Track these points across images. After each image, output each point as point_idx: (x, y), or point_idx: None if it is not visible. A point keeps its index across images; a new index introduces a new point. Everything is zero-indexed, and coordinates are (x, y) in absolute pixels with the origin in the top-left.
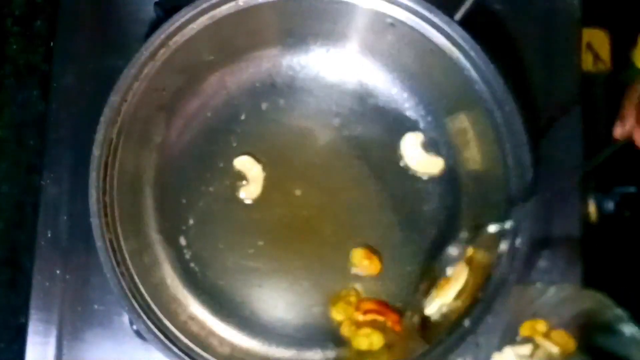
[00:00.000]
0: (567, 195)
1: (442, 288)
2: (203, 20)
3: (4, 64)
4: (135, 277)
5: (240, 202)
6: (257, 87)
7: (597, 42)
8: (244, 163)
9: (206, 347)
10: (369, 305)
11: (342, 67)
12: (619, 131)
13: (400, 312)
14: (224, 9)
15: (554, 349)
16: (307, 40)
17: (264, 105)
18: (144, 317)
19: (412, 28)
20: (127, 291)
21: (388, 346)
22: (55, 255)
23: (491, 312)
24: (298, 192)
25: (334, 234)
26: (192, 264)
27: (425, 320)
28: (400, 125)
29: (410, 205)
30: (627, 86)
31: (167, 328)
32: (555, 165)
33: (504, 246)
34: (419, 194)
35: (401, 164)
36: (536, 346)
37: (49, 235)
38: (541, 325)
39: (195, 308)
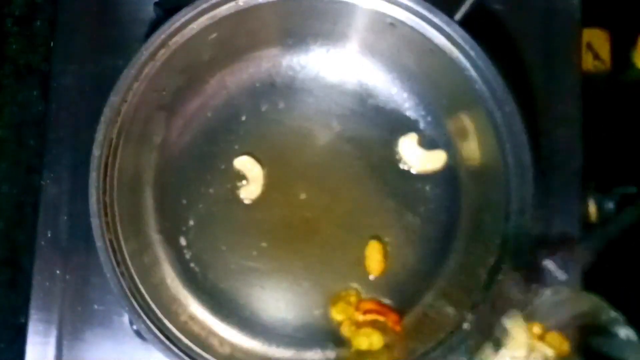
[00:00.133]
0: (567, 196)
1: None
2: (203, 21)
3: (4, 64)
4: (136, 277)
5: (240, 202)
6: (257, 87)
7: (597, 42)
8: (244, 163)
9: (206, 347)
10: (369, 305)
11: (342, 67)
12: None
13: (400, 312)
14: (224, 9)
15: (549, 352)
16: (307, 40)
17: (263, 106)
18: (144, 317)
19: (412, 28)
20: (127, 291)
21: (388, 346)
22: (55, 255)
23: (491, 312)
24: (298, 193)
25: (334, 235)
26: (192, 264)
27: None
28: (400, 125)
29: (410, 206)
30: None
31: (167, 328)
32: (555, 165)
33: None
34: (419, 194)
35: (401, 164)
36: (531, 348)
37: (49, 235)
38: (537, 328)
39: (196, 308)
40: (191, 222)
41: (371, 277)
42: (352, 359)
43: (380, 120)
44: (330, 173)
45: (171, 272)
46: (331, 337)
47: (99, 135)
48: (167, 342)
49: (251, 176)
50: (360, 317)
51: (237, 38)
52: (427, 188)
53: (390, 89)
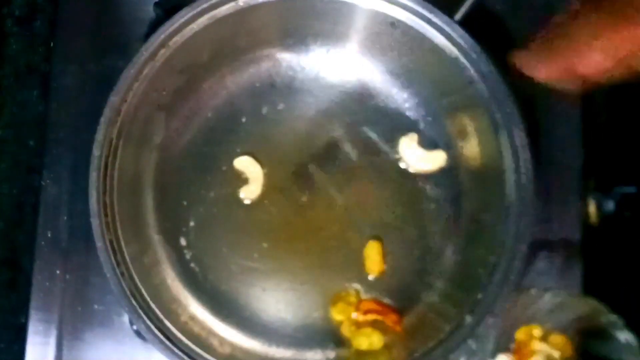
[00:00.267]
0: (567, 196)
1: None
2: (203, 21)
3: (4, 64)
4: (136, 277)
5: (240, 203)
6: (257, 87)
7: None
8: (244, 163)
9: (206, 348)
10: (369, 305)
11: (342, 67)
12: (519, 57)
13: (400, 312)
14: (224, 9)
15: (555, 353)
16: (307, 40)
17: (263, 106)
18: (144, 317)
19: (412, 28)
20: (127, 291)
21: (388, 346)
22: (55, 255)
23: (491, 312)
24: (298, 193)
25: (334, 235)
26: (192, 265)
27: None
28: (400, 125)
29: (410, 206)
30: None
31: (167, 328)
32: (555, 165)
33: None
34: (419, 194)
35: (401, 164)
36: (523, 355)
37: (49, 235)
38: (537, 331)
39: (196, 308)
40: (191, 223)
41: (371, 277)
42: (352, 359)
43: (380, 120)
44: (330, 173)
45: (171, 272)
46: (331, 337)
47: (99, 136)
48: (167, 342)
49: (251, 176)
50: (360, 317)
51: (237, 38)
52: (427, 188)
53: (390, 89)
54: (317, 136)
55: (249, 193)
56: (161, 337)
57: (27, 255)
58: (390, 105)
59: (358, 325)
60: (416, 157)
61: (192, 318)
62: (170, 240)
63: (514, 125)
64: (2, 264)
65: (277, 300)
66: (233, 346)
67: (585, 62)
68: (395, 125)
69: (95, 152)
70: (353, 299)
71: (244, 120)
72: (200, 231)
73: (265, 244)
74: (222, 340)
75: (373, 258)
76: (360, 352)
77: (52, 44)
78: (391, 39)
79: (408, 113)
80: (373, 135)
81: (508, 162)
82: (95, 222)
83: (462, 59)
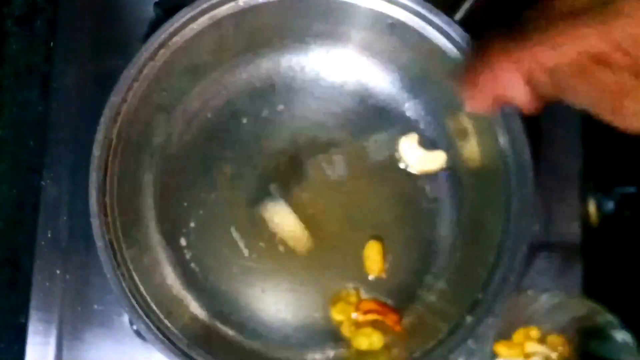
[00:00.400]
0: (567, 196)
1: None
2: (203, 21)
3: (4, 64)
4: (136, 277)
5: (241, 204)
6: (257, 88)
7: None
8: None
9: (206, 348)
10: (369, 306)
11: (342, 67)
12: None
13: (400, 312)
14: (224, 9)
15: (553, 354)
16: (307, 40)
17: (263, 106)
18: (144, 317)
19: (412, 28)
20: (127, 291)
21: (388, 346)
22: (55, 255)
23: (492, 312)
24: (298, 194)
25: (334, 235)
26: (192, 265)
27: None
28: (400, 125)
29: (411, 206)
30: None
31: (168, 328)
32: (555, 165)
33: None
34: (419, 194)
35: (401, 164)
36: (526, 356)
37: (49, 235)
38: (534, 332)
39: (196, 308)
40: (192, 224)
41: (371, 277)
42: (352, 359)
43: (381, 121)
44: (330, 174)
45: (171, 272)
46: (331, 337)
47: (99, 136)
48: (167, 343)
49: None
50: (360, 317)
51: (237, 38)
52: (427, 188)
53: (390, 89)
54: (317, 136)
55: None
56: (161, 337)
57: (27, 255)
58: (390, 105)
59: (358, 325)
60: (416, 157)
61: (192, 318)
62: (171, 240)
63: (514, 125)
64: (2, 264)
65: (277, 301)
66: (233, 346)
67: (506, 88)
68: (395, 125)
69: (95, 152)
70: (353, 298)
71: (243, 120)
72: (200, 232)
73: (265, 244)
74: (222, 340)
75: (373, 258)
76: (361, 352)
77: (52, 44)
78: (391, 39)
79: (408, 113)
80: (373, 136)
81: (508, 162)
82: (95, 222)
83: (462, 59)
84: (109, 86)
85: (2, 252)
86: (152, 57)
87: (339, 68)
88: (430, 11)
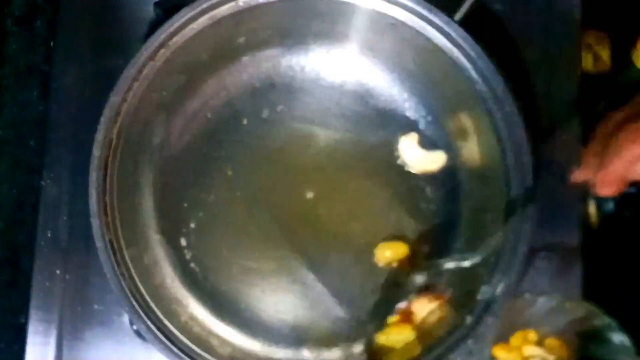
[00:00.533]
0: (567, 197)
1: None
2: (203, 21)
3: (4, 64)
4: (136, 277)
5: (241, 205)
6: (257, 88)
7: (597, 42)
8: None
9: (206, 348)
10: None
11: (342, 67)
12: (578, 176)
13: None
14: (224, 9)
15: (550, 357)
16: (307, 40)
17: (263, 106)
18: (144, 317)
19: (412, 28)
20: (127, 291)
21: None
22: (55, 255)
23: (491, 312)
24: (299, 194)
25: (334, 235)
26: (192, 265)
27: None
28: (400, 125)
29: (411, 206)
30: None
31: (167, 328)
32: (555, 165)
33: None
34: (419, 194)
35: (401, 165)
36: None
37: (49, 235)
38: (532, 335)
39: (196, 308)
40: (192, 225)
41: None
42: (380, 352)
43: (381, 121)
44: (331, 174)
45: (171, 272)
46: (331, 337)
47: (99, 136)
48: (167, 342)
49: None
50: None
51: (237, 38)
52: (427, 188)
53: (390, 89)
54: (317, 137)
55: None
56: (161, 337)
57: (27, 255)
58: (390, 105)
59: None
60: (416, 157)
61: (192, 318)
62: (171, 240)
63: (514, 125)
64: (2, 263)
65: (276, 301)
66: (233, 346)
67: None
68: (395, 125)
69: (95, 152)
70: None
71: (243, 120)
72: (200, 232)
73: (264, 244)
74: (222, 340)
75: (388, 256)
76: (385, 347)
77: (52, 44)
78: (391, 39)
79: (408, 113)
80: (373, 135)
81: (508, 162)
82: (95, 222)
83: (462, 59)
84: (109, 86)
85: (2, 252)
86: (152, 57)
87: (339, 68)
88: (430, 11)
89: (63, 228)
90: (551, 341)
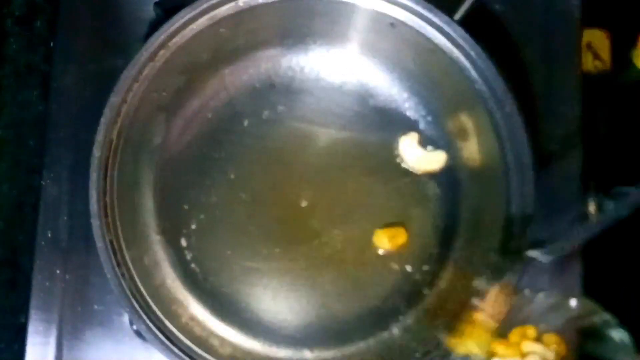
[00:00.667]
0: (566, 196)
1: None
2: (203, 21)
3: (4, 64)
4: (136, 277)
5: (241, 205)
6: (257, 88)
7: (597, 42)
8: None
9: (207, 348)
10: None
11: (342, 67)
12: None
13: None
14: (224, 10)
15: (549, 353)
16: (307, 40)
17: (264, 106)
18: (145, 317)
19: (412, 28)
20: (128, 292)
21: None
22: (55, 255)
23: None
24: (299, 194)
25: (335, 235)
26: (193, 265)
27: None
28: (400, 125)
29: (410, 206)
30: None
31: (168, 328)
32: (555, 165)
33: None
34: (420, 194)
35: (401, 164)
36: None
37: (49, 235)
38: (531, 331)
39: (196, 308)
40: (192, 224)
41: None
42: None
43: (381, 121)
44: (331, 174)
45: (172, 272)
46: (332, 336)
47: (99, 136)
48: (168, 343)
49: None
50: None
51: (237, 38)
52: (427, 188)
53: (390, 89)
54: (317, 137)
55: None
56: (161, 337)
57: (27, 255)
58: (390, 105)
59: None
60: (416, 157)
61: (193, 318)
62: (171, 241)
63: (514, 125)
64: (2, 264)
65: (277, 301)
66: (234, 346)
67: None
68: (395, 125)
69: (96, 152)
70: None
71: (243, 120)
72: (201, 232)
73: (265, 244)
74: (223, 341)
75: (389, 242)
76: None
77: (52, 44)
78: (391, 39)
79: (408, 113)
80: (373, 135)
81: (508, 162)
82: (95, 223)
83: (462, 59)
84: (109, 86)
85: (2, 252)
86: (152, 58)
87: (339, 68)
88: (430, 11)
89: (63, 228)
90: (550, 337)
